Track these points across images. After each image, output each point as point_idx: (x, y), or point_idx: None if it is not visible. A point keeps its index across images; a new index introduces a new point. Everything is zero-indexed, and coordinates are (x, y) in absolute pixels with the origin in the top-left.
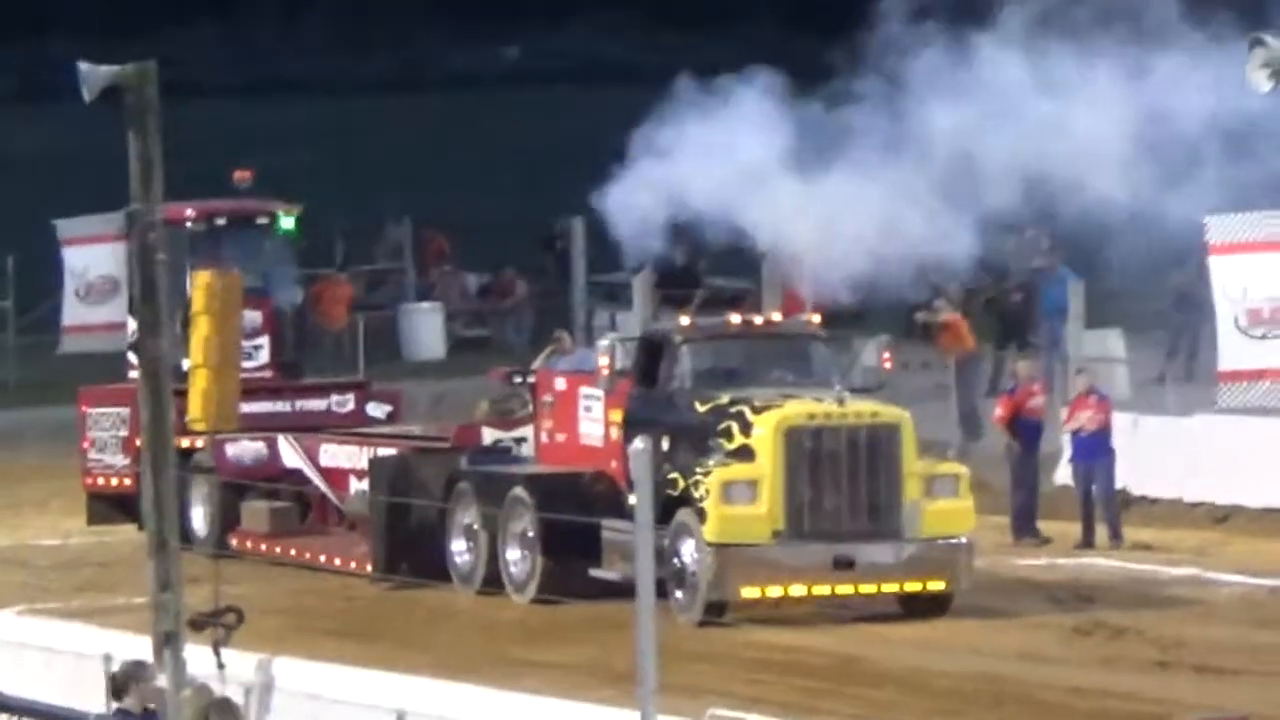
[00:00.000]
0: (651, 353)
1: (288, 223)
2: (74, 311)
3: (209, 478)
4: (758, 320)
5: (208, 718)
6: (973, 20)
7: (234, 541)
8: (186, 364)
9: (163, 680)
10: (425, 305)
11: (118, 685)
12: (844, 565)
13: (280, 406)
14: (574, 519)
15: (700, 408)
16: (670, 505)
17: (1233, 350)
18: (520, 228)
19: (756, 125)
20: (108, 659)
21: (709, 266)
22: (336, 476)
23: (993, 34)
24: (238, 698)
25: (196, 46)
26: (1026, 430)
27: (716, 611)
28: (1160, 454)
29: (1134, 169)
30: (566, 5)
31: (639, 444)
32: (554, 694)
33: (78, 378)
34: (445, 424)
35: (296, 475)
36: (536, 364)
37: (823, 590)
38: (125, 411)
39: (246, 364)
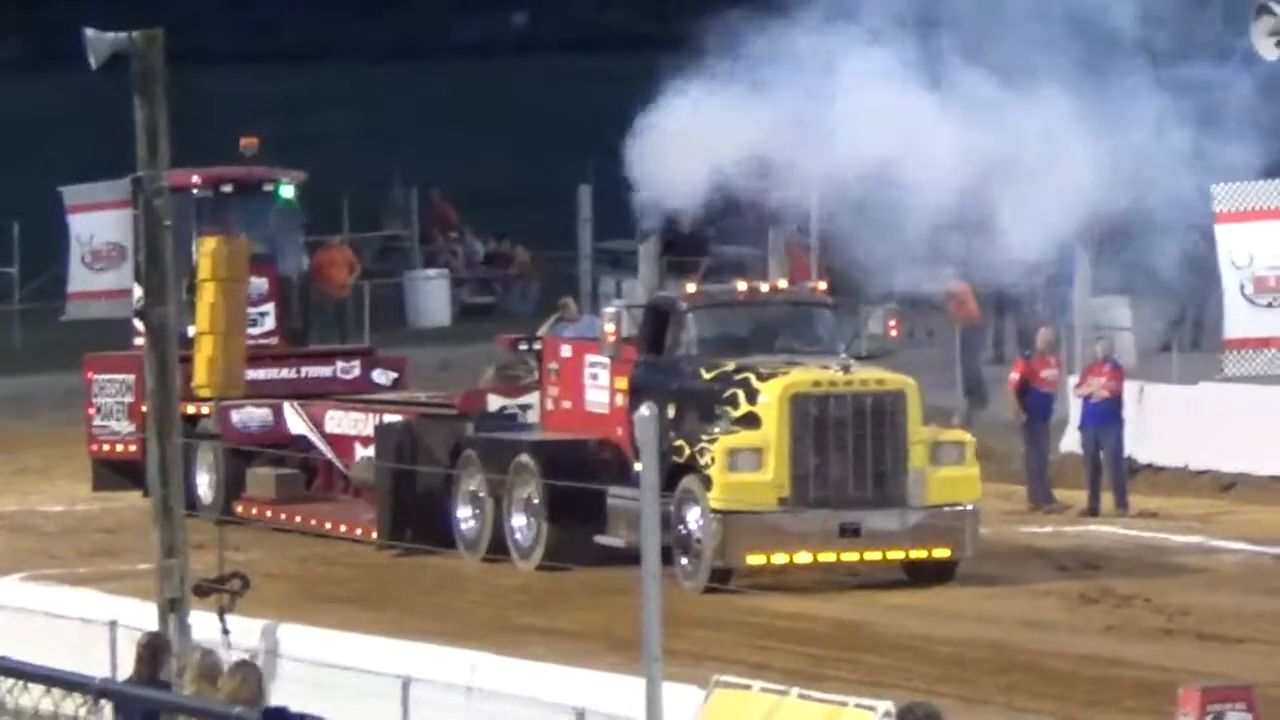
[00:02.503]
0: (658, 320)
1: (287, 191)
2: (80, 278)
3: (214, 444)
4: (764, 288)
5: (215, 680)
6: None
7: (239, 508)
8: (192, 330)
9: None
10: (431, 272)
11: (153, 652)
12: (849, 532)
13: (286, 373)
14: (579, 486)
15: (706, 375)
16: (676, 472)
17: (1239, 318)
18: (528, 195)
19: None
20: (113, 625)
21: (716, 234)
22: (342, 443)
23: None
24: None
25: (203, 13)
26: (1036, 400)
27: (722, 578)
28: (1166, 422)
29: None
30: None
31: (644, 410)
32: (559, 660)
33: (83, 344)
34: (451, 391)
35: (302, 442)
36: (542, 331)
37: (828, 557)
38: (131, 378)
39: (252, 330)
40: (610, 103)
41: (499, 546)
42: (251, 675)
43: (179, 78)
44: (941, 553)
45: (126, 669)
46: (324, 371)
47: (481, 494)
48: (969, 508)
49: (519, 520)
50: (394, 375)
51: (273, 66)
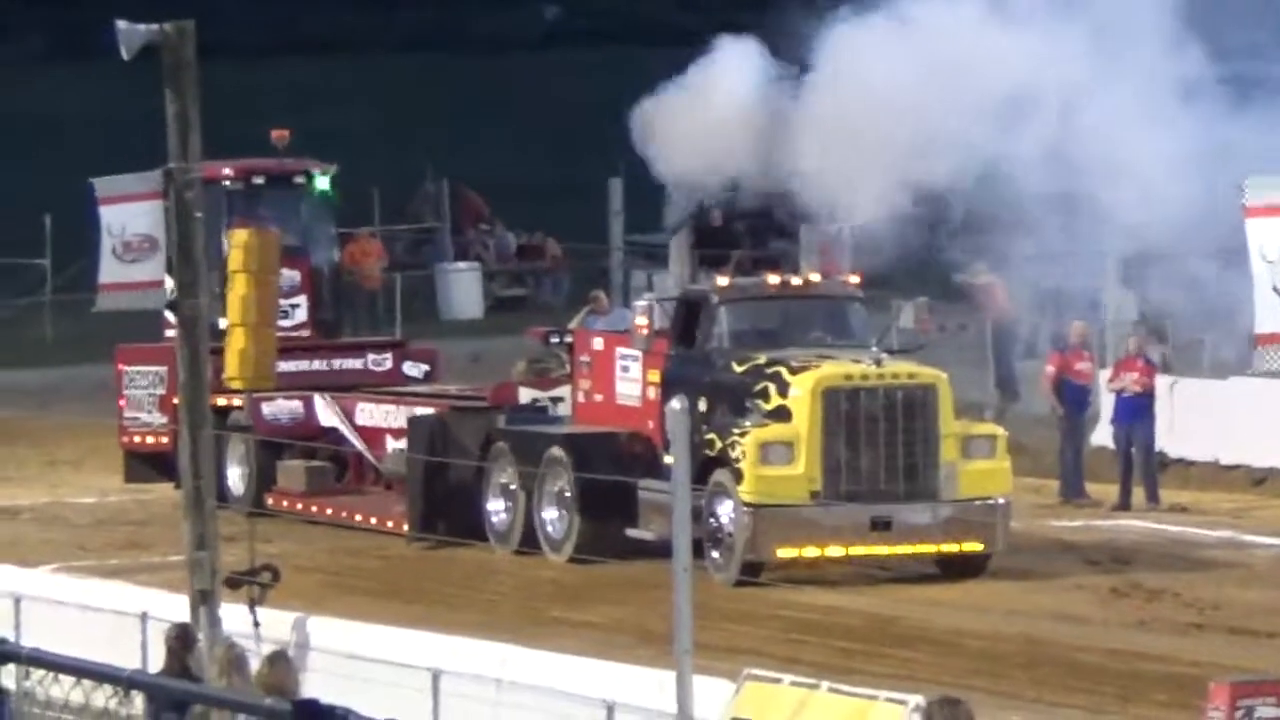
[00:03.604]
0: (689, 313)
1: (323, 183)
2: (111, 270)
3: (245, 436)
4: (796, 281)
5: (242, 671)
6: None
7: (270, 500)
8: (224, 322)
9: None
10: (463, 265)
11: (182, 644)
12: (881, 526)
13: (317, 365)
14: (611, 479)
15: (737, 368)
16: (707, 465)
17: (1269, 313)
18: (559, 188)
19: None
20: (144, 617)
21: (745, 228)
22: (373, 435)
23: None
24: None
25: (235, 5)
26: (1071, 392)
27: (753, 572)
28: (1197, 416)
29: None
30: None
31: (676, 404)
32: (590, 653)
33: (114, 336)
34: (482, 383)
35: (333, 434)
36: (574, 324)
37: (859, 551)
38: (162, 370)
39: (283, 323)
40: (642, 95)
41: (530, 539)
42: (290, 666)
43: (210, 71)
44: (972, 547)
45: (157, 661)
46: (355, 364)
47: (513, 487)
48: (1000, 502)
49: (550, 513)
50: (425, 368)
51: (304, 59)
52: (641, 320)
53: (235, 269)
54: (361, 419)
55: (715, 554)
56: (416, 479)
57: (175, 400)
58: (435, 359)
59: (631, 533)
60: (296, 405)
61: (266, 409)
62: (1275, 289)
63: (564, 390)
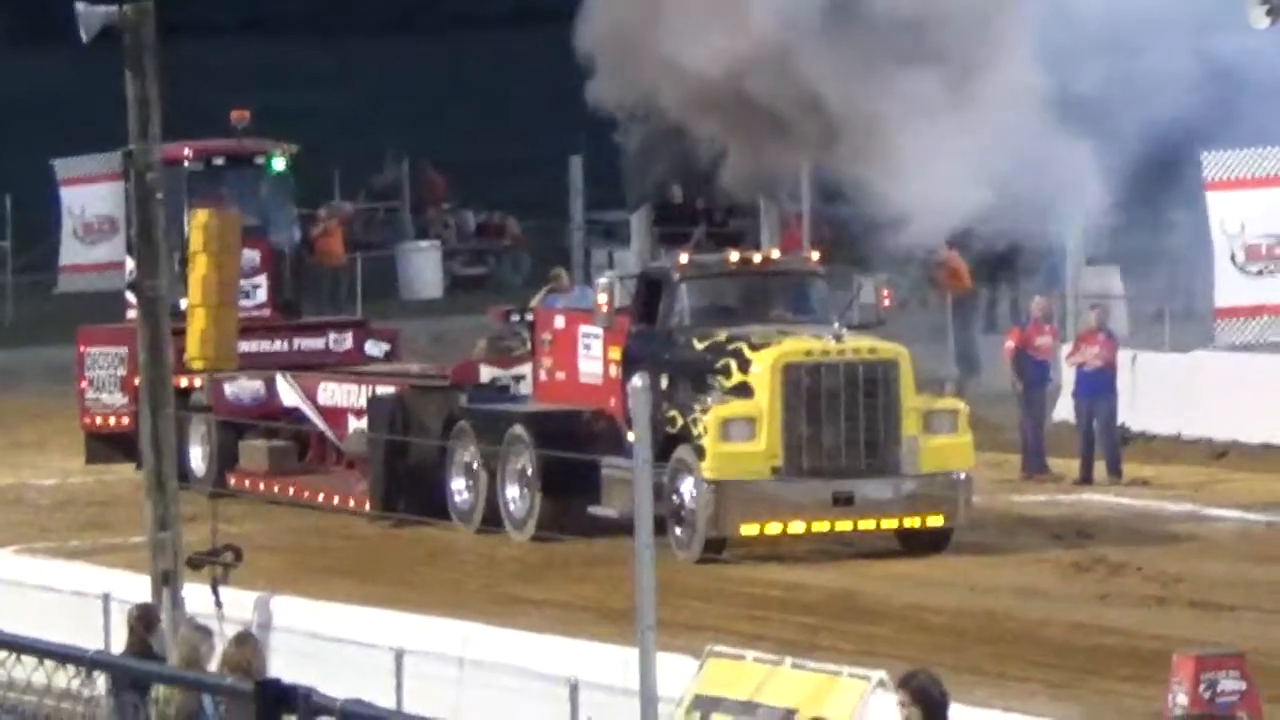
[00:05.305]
0: (650, 290)
1: (279, 163)
2: (71, 251)
3: (207, 417)
4: (757, 258)
5: (200, 650)
6: None
7: (232, 480)
8: (185, 303)
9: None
10: (423, 244)
11: (145, 623)
12: (843, 501)
13: (278, 345)
14: (573, 457)
15: (699, 345)
16: (669, 442)
17: (1230, 286)
18: (520, 166)
19: None
20: (107, 598)
21: (707, 204)
22: (335, 415)
23: None
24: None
25: None
26: (1031, 367)
27: (716, 548)
28: (1159, 390)
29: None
30: None
31: (637, 381)
32: (553, 631)
33: (75, 317)
34: (444, 362)
35: (295, 414)
36: (534, 302)
37: (822, 527)
38: (123, 351)
39: (244, 303)
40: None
41: (493, 518)
42: (256, 646)
43: (170, 50)
44: (935, 521)
45: (120, 642)
46: (316, 343)
47: (475, 465)
48: (962, 476)
49: (513, 491)
50: (386, 347)
51: (264, 39)
52: (603, 298)
53: (196, 250)
54: (323, 398)
55: (678, 531)
56: (378, 458)
57: (137, 381)
58: (396, 338)
59: (594, 510)
60: (258, 385)
61: (228, 389)
62: (1235, 262)
63: (525, 369)
